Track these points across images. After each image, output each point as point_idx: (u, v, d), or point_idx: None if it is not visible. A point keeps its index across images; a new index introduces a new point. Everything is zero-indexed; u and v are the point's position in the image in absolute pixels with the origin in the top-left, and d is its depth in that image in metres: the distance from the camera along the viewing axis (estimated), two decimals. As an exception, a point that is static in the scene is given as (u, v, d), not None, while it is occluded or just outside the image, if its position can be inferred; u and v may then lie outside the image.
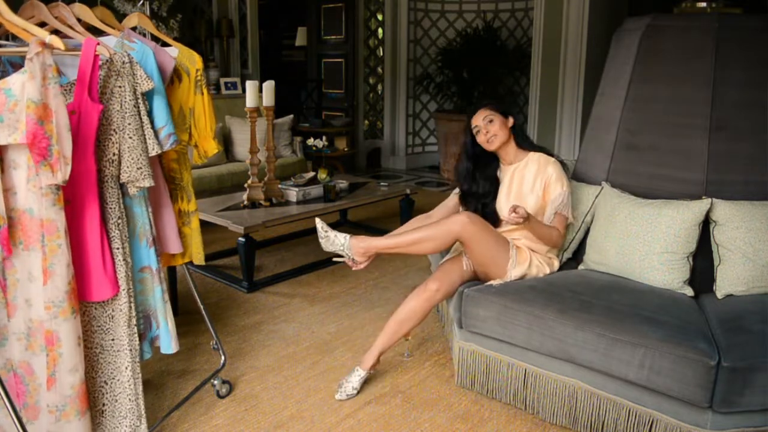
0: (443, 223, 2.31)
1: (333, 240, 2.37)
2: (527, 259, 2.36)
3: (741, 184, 2.37)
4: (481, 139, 2.48)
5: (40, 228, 1.59)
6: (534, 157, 2.48)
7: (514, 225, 2.27)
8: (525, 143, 2.53)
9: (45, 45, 1.50)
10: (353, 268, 2.43)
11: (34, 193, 1.57)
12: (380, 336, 2.40)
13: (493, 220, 2.45)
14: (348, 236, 2.38)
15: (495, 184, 2.52)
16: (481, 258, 2.33)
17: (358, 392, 2.36)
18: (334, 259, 2.48)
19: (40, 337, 1.65)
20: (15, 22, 1.61)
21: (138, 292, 1.93)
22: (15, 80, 1.47)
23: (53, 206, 1.59)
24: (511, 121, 2.49)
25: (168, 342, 2.02)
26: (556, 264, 2.47)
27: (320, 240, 2.38)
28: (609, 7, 5.76)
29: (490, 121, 2.45)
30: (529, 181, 2.44)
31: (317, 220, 2.42)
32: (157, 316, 2.01)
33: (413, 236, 2.32)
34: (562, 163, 2.49)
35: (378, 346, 2.38)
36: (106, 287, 1.74)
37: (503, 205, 2.45)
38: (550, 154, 2.49)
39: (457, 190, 2.69)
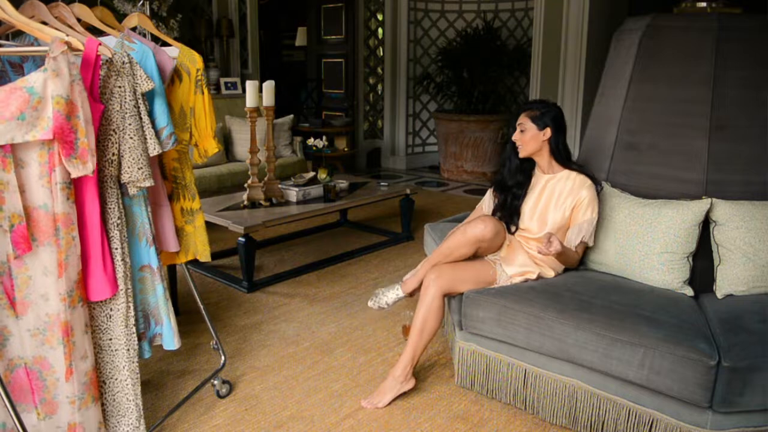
0: (423, 300, 2.31)
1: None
2: (535, 266, 2.36)
3: (741, 184, 2.37)
4: (515, 139, 2.42)
5: (53, 222, 1.62)
6: (572, 175, 2.38)
7: (545, 254, 2.21)
8: (561, 160, 2.40)
9: (67, 44, 1.54)
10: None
11: (47, 189, 1.60)
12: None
13: (514, 217, 2.44)
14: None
15: (527, 179, 2.46)
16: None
17: (388, 307, 2.45)
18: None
19: (57, 330, 1.67)
20: (28, 23, 1.63)
21: (137, 291, 1.94)
22: (36, 78, 1.50)
23: (67, 200, 1.62)
24: (547, 133, 2.35)
25: (171, 338, 2.03)
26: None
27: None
28: (609, 7, 5.76)
29: (522, 131, 2.38)
30: (559, 197, 2.36)
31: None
32: (159, 313, 2.02)
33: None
34: (597, 185, 2.40)
35: (420, 273, 2.40)
36: (105, 287, 1.75)
37: (528, 210, 2.42)
38: (589, 176, 2.39)
39: (489, 195, 2.62)
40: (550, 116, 2.36)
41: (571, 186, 2.36)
